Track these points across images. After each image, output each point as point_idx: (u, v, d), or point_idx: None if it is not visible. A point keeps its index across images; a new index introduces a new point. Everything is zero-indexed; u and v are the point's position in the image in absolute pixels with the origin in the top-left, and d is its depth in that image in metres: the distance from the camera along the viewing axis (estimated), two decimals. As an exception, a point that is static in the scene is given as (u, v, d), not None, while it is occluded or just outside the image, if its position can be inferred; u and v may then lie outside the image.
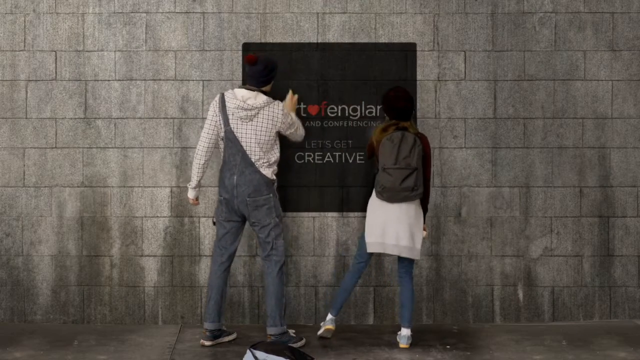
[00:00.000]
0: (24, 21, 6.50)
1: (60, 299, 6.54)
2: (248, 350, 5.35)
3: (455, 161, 6.59)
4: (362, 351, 5.86)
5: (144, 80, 6.53)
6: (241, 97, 5.85)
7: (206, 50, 6.53)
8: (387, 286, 6.61)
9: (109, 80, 6.52)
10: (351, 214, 6.58)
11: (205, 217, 6.53)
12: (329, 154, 6.56)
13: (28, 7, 6.50)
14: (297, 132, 6.10)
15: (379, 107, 6.51)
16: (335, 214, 6.58)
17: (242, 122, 5.85)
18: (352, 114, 6.56)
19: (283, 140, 6.11)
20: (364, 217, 6.42)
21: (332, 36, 6.55)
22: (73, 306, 6.55)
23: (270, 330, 5.94)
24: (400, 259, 6.01)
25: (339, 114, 6.56)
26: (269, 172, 5.90)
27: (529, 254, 6.63)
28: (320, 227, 6.59)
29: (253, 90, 5.88)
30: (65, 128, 6.52)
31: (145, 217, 6.54)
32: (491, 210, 6.61)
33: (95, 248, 6.54)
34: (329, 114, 6.55)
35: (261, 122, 5.85)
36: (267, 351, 5.30)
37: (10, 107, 6.51)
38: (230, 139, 5.87)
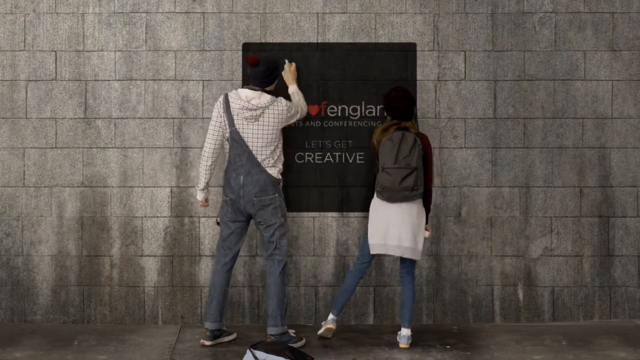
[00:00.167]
0: (24, 21, 6.50)
1: (60, 299, 6.54)
2: (248, 350, 5.35)
3: (455, 161, 6.59)
4: (362, 351, 5.86)
5: (144, 80, 6.53)
6: (245, 98, 5.86)
7: (206, 50, 6.53)
8: (387, 286, 6.61)
9: (109, 80, 6.52)
10: (351, 214, 6.58)
11: (205, 217, 6.53)
12: (329, 154, 6.56)
13: (28, 7, 6.50)
14: (300, 112, 6.11)
15: (379, 107, 6.51)
16: (335, 214, 6.58)
17: (248, 122, 5.85)
18: (352, 114, 6.56)
19: (283, 140, 6.10)
20: (364, 217, 6.43)
21: (332, 36, 6.55)
22: (73, 306, 6.54)
23: (271, 330, 5.94)
24: (402, 259, 6.01)
25: (339, 114, 6.56)
26: (275, 172, 5.91)
27: (529, 254, 6.63)
28: (320, 227, 6.59)
29: (257, 90, 5.88)
30: (65, 128, 6.52)
31: (145, 217, 6.54)
32: (491, 210, 6.61)
33: (95, 248, 6.54)
34: (329, 114, 6.55)
35: (267, 121, 5.86)
36: (267, 351, 5.30)
37: (10, 107, 6.51)
38: (235, 140, 5.87)
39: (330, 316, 6.14)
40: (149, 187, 6.54)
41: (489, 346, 5.99)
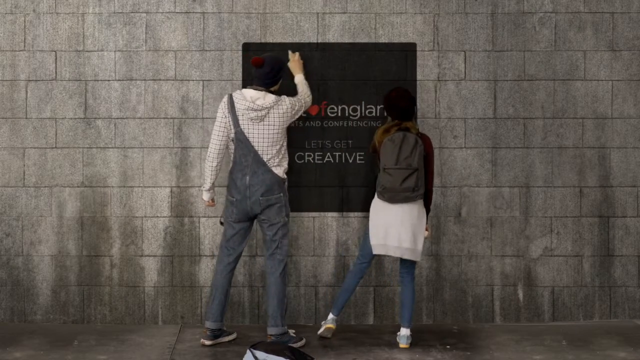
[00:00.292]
0: (24, 21, 6.50)
1: (60, 299, 6.54)
2: (248, 350, 5.35)
3: (455, 161, 6.59)
4: (362, 351, 5.86)
5: (144, 80, 6.53)
6: (250, 98, 5.86)
7: (206, 50, 6.53)
8: (387, 286, 6.61)
9: (109, 80, 6.52)
10: (351, 214, 6.58)
11: (205, 217, 6.53)
12: (329, 154, 6.56)
13: (28, 7, 6.50)
14: (305, 105, 6.11)
15: (379, 107, 6.52)
16: (335, 214, 6.58)
17: (253, 122, 5.85)
18: (352, 114, 6.56)
19: (283, 140, 6.12)
20: (364, 217, 6.43)
21: (332, 36, 6.55)
22: (73, 306, 6.55)
23: (271, 331, 5.94)
24: (402, 259, 6.01)
25: (339, 114, 6.56)
26: (280, 171, 5.91)
27: (529, 254, 6.63)
28: (320, 227, 6.59)
29: (261, 91, 5.88)
30: (65, 128, 6.52)
31: (145, 217, 6.54)
32: (491, 210, 6.61)
33: (95, 248, 6.54)
34: (329, 114, 6.55)
35: (272, 121, 5.86)
36: (267, 351, 5.30)
37: (10, 107, 6.51)
38: (241, 140, 5.87)
39: (330, 316, 6.14)
40: (149, 187, 6.54)
41: (489, 346, 5.99)
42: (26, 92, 6.51)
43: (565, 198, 6.62)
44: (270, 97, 5.87)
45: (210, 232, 6.54)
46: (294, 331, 6.13)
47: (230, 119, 5.88)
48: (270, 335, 5.94)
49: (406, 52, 6.57)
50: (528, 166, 6.60)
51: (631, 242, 6.65)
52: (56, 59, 6.51)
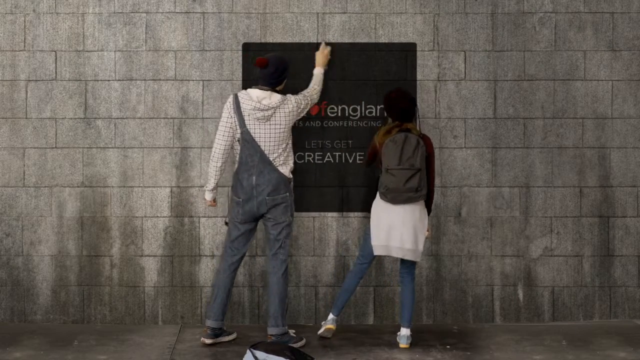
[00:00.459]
0: (24, 21, 6.50)
1: (60, 299, 6.54)
2: (248, 350, 5.35)
3: (455, 161, 6.59)
4: (362, 351, 5.86)
5: (144, 80, 6.53)
6: (256, 98, 5.86)
7: (206, 50, 6.53)
8: (387, 286, 6.61)
9: (109, 80, 6.52)
10: (351, 214, 6.58)
11: (205, 217, 6.53)
12: (329, 154, 6.56)
13: (28, 7, 6.51)
14: (312, 101, 6.11)
15: (379, 107, 6.52)
16: (335, 214, 6.58)
17: (259, 122, 5.85)
18: (352, 114, 6.56)
19: (283, 140, 6.12)
20: (364, 217, 6.43)
21: (332, 36, 6.55)
22: (73, 306, 6.54)
23: (272, 331, 5.94)
24: (403, 260, 6.01)
25: (339, 114, 6.56)
26: (286, 170, 5.92)
27: (529, 254, 6.63)
28: (320, 227, 6.59)
29: (266, 90, 5.88)
30: (65, 128, 6.52)
31: (145, 217, 6.54)
32: (491, 210, 6.61)
33: (95, 248, 6.54)
34: (329, 114, 6.56)
35: (278, 121, 5.87)
36: (267, 351, 5.30)
37: (10, 107, 6.51)
38: (247, 140, 5.87)
39: (330, 316, 6.14)
40: (149, 187, 6.54)
41: (489, 346, 5.99)
42: (26, 92, 6.51)
43: (565, 198, 6.62)
44: (276, 97, 5.88)
45: (210, 232, 6.54)
46: (294, 331, 6.13)
47: (236, 119, 5.87)
48: (271, 335, 5.93)
49: (406, 52, 6.57)
50: (528, 166, 6.60)
51: (631, 242, 6.65)
52: (56, 59, 6.51)
